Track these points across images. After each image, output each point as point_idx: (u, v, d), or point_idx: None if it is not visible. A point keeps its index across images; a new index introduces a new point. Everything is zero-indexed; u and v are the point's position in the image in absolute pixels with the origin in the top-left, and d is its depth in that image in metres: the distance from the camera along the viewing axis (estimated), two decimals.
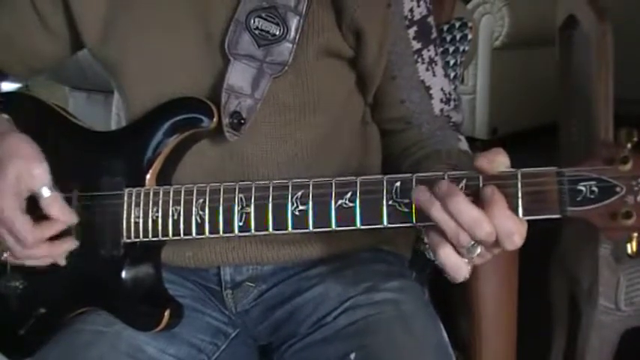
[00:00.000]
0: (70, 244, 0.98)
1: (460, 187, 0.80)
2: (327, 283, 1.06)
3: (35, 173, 0.93)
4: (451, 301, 1.29)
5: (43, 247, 0.96)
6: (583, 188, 0.76)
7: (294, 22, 0.98)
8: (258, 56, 0.98)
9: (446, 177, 0.81)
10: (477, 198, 0.78)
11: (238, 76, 0.98)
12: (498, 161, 0.79)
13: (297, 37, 0.99)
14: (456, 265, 0.80)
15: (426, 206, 0.79)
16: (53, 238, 0.97)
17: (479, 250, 0.79)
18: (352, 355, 0.94)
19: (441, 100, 1.13)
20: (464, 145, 1.12)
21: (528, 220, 0.79)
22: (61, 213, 0.95)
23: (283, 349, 1.05)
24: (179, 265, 1.09)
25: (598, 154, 0.75)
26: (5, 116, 1.01)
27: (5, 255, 0.99)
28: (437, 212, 0.78)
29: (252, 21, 0.98)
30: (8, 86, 1.20)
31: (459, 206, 0.77)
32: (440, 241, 0.80)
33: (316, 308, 1.04)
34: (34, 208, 0.95)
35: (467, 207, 0.77)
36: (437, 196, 0.79)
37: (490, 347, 1.23)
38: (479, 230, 0.76)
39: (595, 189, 0.76)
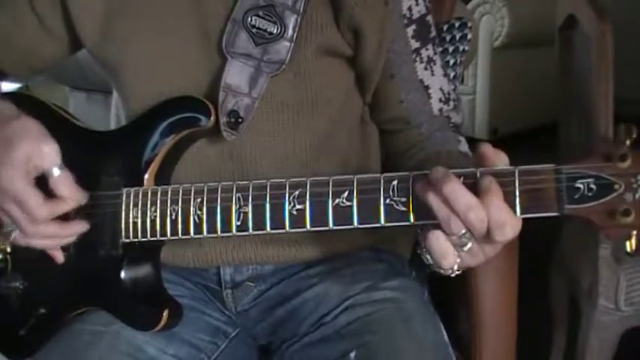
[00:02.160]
0: (80, 226, 0.97)
1: None
2: (326, 283, 1.06)
3: (45, 152, 0.93)
4: (451, 301, 1.29)
5: (53, 226, 0.96)
6: (581, 186, 0.75)
7: (291, 21, 0.98)
8: (256, 55, 0.98)
9: None
10: (475, 193, 0.78)
11: (236, 74, 0.98)
12: (499, 157, 0.79)
13: (295, 35, 0.99)
14: (444, 249, 0.80)
15: (422, 193, 0.79)
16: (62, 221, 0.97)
17: (470, 244, 0.79)
18: (352, 354, 0.94)
19: (440, 100, 1.12)
20: (464, 146, 1.12)
21: (528, 220, 0.79)
22: (71, 191, 0.95)
23: (283, 349, 1.05)
24: (178, 265, 1.09)
25: (597, 151, 0.75)
26: (13, 105, 1.01)
27: (14, 235, 0.98)
28: (431, 197, 0.78)
29: (250, 19, 0.98)
30: (8, 86, 1.20)
31: (453, 190, 0.76)
32: (432, 227, 0.79)
33: (316, 308, 1.04)
34: (43, 189, 0.94)
35: (461, 191, 0.76)
36: (432, 180, 0.78)
37: (490, 347, 1.23)
38: (471, 215, 0.76)
39: (593, 186, 0.75)
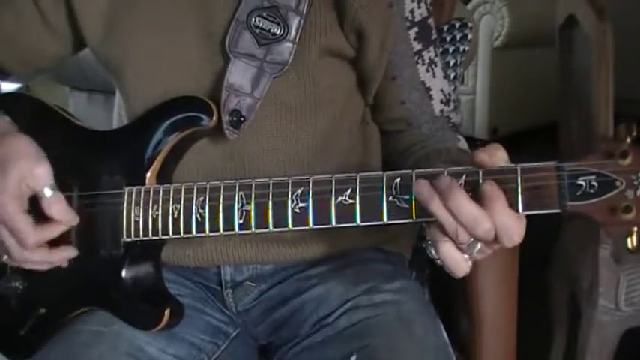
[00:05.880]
0: (70, 252, 0.98)
1: (460, 182, 0.79)
2: (327, 284, 1.06)
3: (38, 173, 0.93)
4: (451, 301, 1.29)
5: (42, 252, 0.96)
6: (583, 183, 0.76)
7: (294, 22, 0.99)
8: (259, 55, 0.99)
9: (445, 173, 0.81)
10: (477, 194, 0.78)
11: (238, 74, 0.98)
12: (498, 156, 0.79)
13: (298, 36, 0.99)
14: (457, 261, 0.80)
15: (426, 201, 0.79)
16: (53, 243, 0.97)
17: (479, 246, 0.80)
18: (353, 358, 0.94)
19: (441, 101, 1.13)
20: (463, 145, 1.13)
21: (528, 220, 0.79)
22: (62, 214, 0.95)
23: (284, 350, 1.05)
24: (179, 265, 1.09)
25: (598, 149, 0.75)
26: (6, 118, 1.01)
27: (5, 257, 0.98)
28: (437, 208, 0.78)
29: (253, 20, 0.98)
30: (8, 86, 1.20)
31: (458, 203, 0.77)
32: (441, 237, 0.80)
33: (317, 309, 1.04)
34: (35, 209, 0.95)
35: (466, 204, 0.77)
36: (437, 191, 0.79)
37: (490, 347, 1.23)
38: (478, 228, 0.76)
39: (595, 184, 0.75)
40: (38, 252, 0.95)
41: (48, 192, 0.93)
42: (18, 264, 0.98)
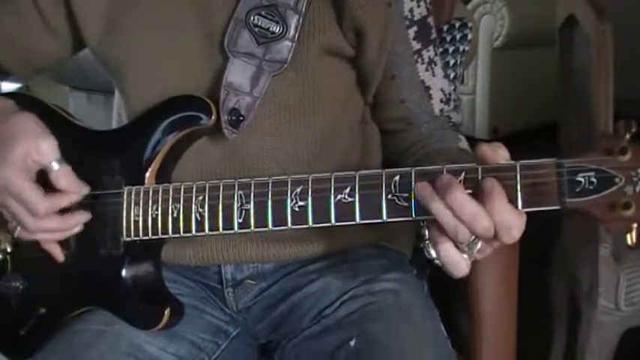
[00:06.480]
0: (83, 216, 0.98)
1: (459, 179, 0.79)
2: (326, 278, 1.06)
3: (43, 148, 0.93)
4: (451, 301, 1.29)
5: (55, 219, 0.96)
6: (582, 179, 0.76)
7: (293, 21, 0.99)
8: (258, 54, 0.99)
9: (444, 170, 0.81)
10: (476, 191, 0.78)
11: (237, 73, 0.98)
12: (500, 153, 0.79)
13: (297, 35, 0.99)
14: (455, 261, 0.80)
15: (426, 200, 0.79)
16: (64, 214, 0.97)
17: (479, 245, 0.80)
18: (352, 342, 0.95)
19: (441, 100, 1.13)
20: (464, 144, 1.13)
21: (528, 218, 0.79)
22: (70, 184, 0.95)
23: (283, 344, 1.06)
24: (179, 264, 1.09)
25: (597, 145, 0.75)
26: (10, 100, 1.02)
27: (17, 231, 0.98)
28: (436, 206, 0.78)
29: (252, 18, 0.98)
30: (8, 86, 1.20)
31: (457, 200, 0.77)
32: (440, 237, 0.80)
33: (316, 302, 1.05)
34: (45, 185, 0.95)
35: (466, 201, 0.77)
36: (436, 189, 0.79)
37: (490, 347, 1.23)
38: (477, 225, 0.76)
39: (594, 180, 0.75)
40: (51, 219, 0.95)
41: (55, 165, 0.94)
42: (31, 235, 0.97)
